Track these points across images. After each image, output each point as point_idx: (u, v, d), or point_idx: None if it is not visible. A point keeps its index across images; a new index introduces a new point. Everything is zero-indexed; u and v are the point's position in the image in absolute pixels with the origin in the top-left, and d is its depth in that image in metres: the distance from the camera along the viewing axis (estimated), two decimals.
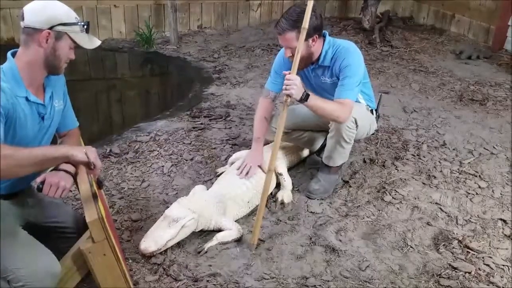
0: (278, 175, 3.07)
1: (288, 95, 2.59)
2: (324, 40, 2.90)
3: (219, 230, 2.70)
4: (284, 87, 2.60)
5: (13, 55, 2.02)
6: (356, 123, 2.93)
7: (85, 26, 2.06)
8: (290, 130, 3.22)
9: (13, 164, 1.74)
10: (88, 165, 1.94)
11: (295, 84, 2.57)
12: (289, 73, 2.59)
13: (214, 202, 2.72)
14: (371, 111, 3.21)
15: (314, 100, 2.69)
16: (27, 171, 1.84)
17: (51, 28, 1.97)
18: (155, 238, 2.48)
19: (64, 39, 2.02)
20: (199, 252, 2.58)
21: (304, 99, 2.64)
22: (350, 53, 2.87)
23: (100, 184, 2.16)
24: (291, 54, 2.76)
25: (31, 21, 1.97)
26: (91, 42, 2.11)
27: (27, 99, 1.99)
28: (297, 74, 2.67)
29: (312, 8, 2.71)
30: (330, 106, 2.78)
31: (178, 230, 2.51)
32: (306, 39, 2.65)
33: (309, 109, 2.76)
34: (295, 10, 2.74)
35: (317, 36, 2.79)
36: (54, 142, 2.28)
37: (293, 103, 2.92)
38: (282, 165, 3.13)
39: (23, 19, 1.98)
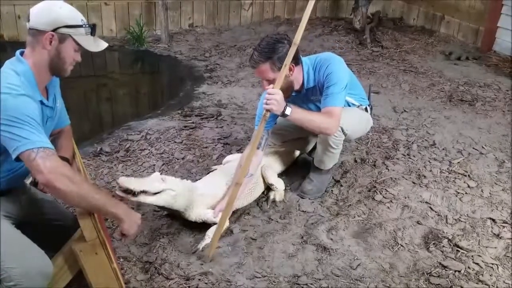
0: (269, 185, 3.05)
1: (268, 110, 2.54)
2: (302, 66, 2.86)
3: (202, 223, 2.71)
4: (264, 101, 2.55)
5: (21, 54, 1.99)
6: (343, 131, 2.91)
7: (91, 29, 2.03)
8: (283, 143, 3.26)
9: (77, 193, 1.81)
10: (124, 235, 2.04)
11: (275, 99, 2.52)
12: (272, 87, 2.54)
13: (197, 192, 2.72)
14: (365, 108, 3.21)
15: (297, 113, 2.66)
16: (80, 205, 1.90)
17: (54, 30, 1.94)
18: (136, 182, 2.45)
19: (68, 41, 1.98)
20: (194, 252, 2.59)
21: (286, 113, 2.60)
22: (330, 60, 2.85)
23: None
24: (268, 86, 2.66)
25: (35, 22, 1.94)
26: (97, 45, 2.07)
27: (41, 102, 1.98)
28: (289, 102, 2.65)
29: (285, 38, 2.67)
30: (316, 118, 2.75)
31: (159, 189, 2.50)
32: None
33: (294, 123, 2.74)
34: (267, 42, 2.70)
35: (293, 64, 2.72)
36: None
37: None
38: (271, 174, 3.07)
39: (29, 20, 1.95)
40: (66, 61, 2.01)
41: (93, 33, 2.05)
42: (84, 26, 2.00)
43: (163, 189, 2.51)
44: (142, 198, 2.47)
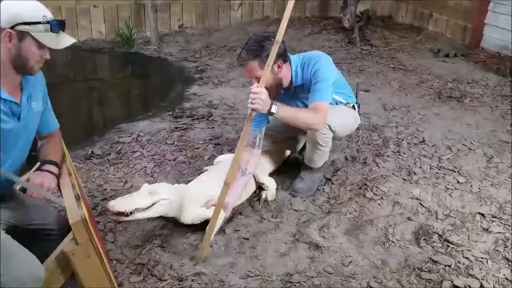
0: (260, 184, 3.06)
1: (253, 109, 2.51)
2: (290, 63, 2.87)
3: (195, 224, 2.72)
4: (249, 100, 2.52)
5: None
6: (330, 129, 2.93)
7: (51, 25, 1.93)
8: (272, 143, 3.27)
9: None
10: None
11: (260, 98, 2.48)
12: (256, 86, 2.52)
13: (190, 194, 2.71)
14: (353, 106, 3.23)
15: (283, 111, 2.64)
16: None
17: (13, 27, 1.89)
18: (126, 202, 2.41)
19: (28, 39, 1.92)
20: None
21: (272, 111, 2.58)
22: (317, 58, 2.86)
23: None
24: (253, 86, 2.62)
25: None
26: (58, 42, 1.97)
27: None
28: (277, 99, 2.65)
29: (273, 36, 2.56)
30: (303, 115, 2.74)
31: (151, 203, 2.47)
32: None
33: (281, 120, 2.73)
34: (255, 40, 2.71)
35: (281, 62, 2.74)
36: (35, 144, 2.25)
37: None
38: (262, 173, 3.08)
39: None
40: (29, 58, 1.95)
41: (54, 29, 1.94)
42: (42, 22, 1.91)
43: (156, 201, 2.51)
44: (137, 216, 2.45)
